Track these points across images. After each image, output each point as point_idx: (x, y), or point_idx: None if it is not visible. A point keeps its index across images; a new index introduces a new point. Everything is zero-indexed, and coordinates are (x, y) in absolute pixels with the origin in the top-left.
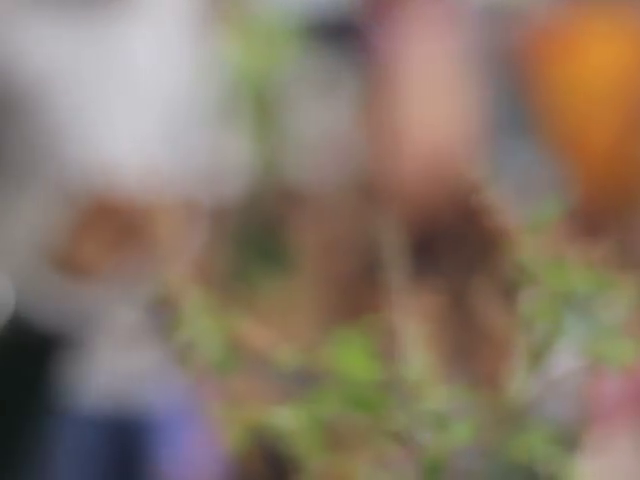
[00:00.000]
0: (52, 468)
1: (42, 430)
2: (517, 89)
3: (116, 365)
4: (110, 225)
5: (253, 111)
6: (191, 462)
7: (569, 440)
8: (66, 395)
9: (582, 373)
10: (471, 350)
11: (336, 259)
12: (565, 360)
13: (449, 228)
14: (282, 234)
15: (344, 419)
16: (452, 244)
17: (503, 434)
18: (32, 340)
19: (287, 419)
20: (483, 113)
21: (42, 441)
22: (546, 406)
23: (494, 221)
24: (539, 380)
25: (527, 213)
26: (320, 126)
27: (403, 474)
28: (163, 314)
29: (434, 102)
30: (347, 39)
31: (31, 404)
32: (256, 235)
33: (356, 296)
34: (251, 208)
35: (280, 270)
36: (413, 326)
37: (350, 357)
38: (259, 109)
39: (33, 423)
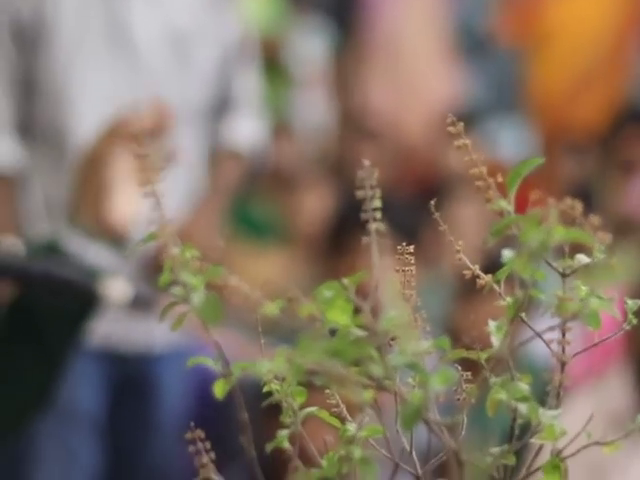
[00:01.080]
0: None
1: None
2: (502, 65)
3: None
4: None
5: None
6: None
7: (546, 392)
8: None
9: (559, 328)
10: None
11: (318, 220)
12: (544, 315)
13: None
14: (273, 197)
15: (325, 367)
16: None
17: (482, 386)
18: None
19: (271, 367)
20: (468, 88)
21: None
22: (525, 359)
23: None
24: (519, 333)
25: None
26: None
27: (381, 421)
28: (154, 265)
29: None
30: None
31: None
32: (250, 197)
33: (339, 253)
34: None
35: (270, 231)
36: (392, 281)
37: (332, 308)
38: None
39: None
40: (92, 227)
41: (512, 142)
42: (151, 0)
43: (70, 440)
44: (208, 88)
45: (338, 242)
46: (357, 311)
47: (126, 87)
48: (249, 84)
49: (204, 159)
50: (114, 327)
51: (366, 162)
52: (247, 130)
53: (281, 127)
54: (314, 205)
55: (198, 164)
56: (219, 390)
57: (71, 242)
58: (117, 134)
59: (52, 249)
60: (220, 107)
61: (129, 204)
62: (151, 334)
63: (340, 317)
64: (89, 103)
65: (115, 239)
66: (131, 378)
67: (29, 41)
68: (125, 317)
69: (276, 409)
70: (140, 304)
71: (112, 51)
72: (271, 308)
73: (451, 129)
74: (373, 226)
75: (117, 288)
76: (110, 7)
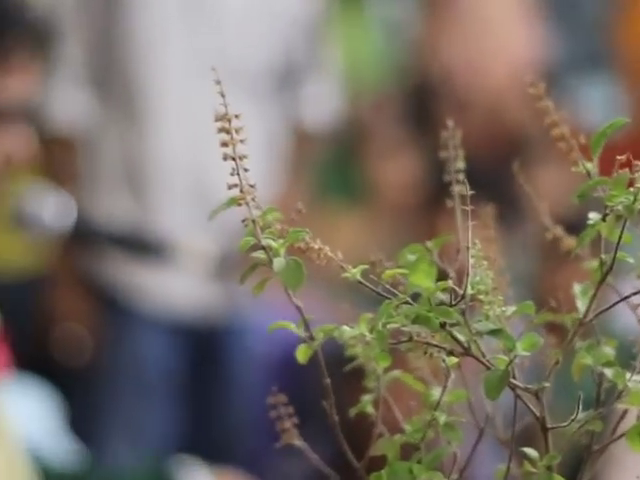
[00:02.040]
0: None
1: None
2: (590, 18)
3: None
4: None
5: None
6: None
7: (632, 356)
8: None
9: None
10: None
11: (405, 186)
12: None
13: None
14: (357, 162)
15: (410, 331)
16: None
17: (567, 351)
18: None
19: (354, 332)
20: (555, 47)
21: None
22: (612, 324)
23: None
24: (604, 297)
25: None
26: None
27: (465, 387)
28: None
29: (505, 25)
30: None
31: None
32: (333, 162)
33: (423, 220)
34: (330, 136)
35: (354, 195)
36: (477, 247)
37: (416, 272)
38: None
39: None
40: None
41: (600, 101)
42: None
43: (139, 406)
44: (276, 49)
45: (423, 204)
46: (441, 275)
47: (203, 43)
48: (320, 50)
49: (273, 126)
50: (192, 291)
51: (449, 122)
52: (320, 97)
53: (364, 90)
54: (398, 167)
55: (263, 131)
56: (302, 355)
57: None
58: None
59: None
60: (288, 73)
61: None
62: (231, 298)
63: (424, 281)
64: (172, 58)
65: None
66: (210, 343)
67: None
68: (204, 281)
69: (359, 373)
70: (221, 264)
71: (192, 8)
72: (354, 272)
73: (532, 90)
74: (456, 187)
75: (201, 244)
76: None
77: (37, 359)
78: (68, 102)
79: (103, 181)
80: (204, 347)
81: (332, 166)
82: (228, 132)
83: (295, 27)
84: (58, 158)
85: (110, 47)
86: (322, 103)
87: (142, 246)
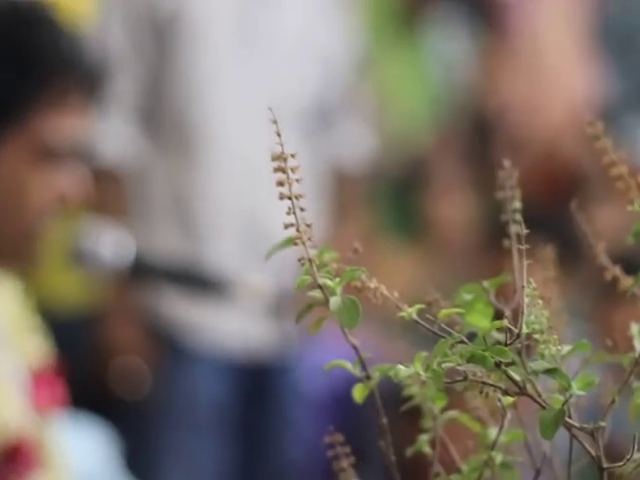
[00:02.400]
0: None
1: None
2: None
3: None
4: None
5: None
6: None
7: None
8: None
9: None
10: (591, 309)
11: (462, 226)
12: None
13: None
14: (415, 200)
15: (465, 370)
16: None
17: (624, 391)
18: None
19: (410, 372)
20: (612, 86)
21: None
22: None
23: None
24: None
25: None
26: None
27: (520, 426)
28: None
29: (563, 64)
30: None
31: None
32: (390, 199)
33: (480, 259)
34: (387, 173)
35: (410, 234)
36: (533, 286)
37: (472, 312)
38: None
39: None
40: None
41: None
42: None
43: (193, 443)
44: (317, 87)
45: (480, 243)
46: (497, 314)
47: (256, 81)
48: (360, 89)
49: (316, 166)
50: (247, 328)
51: (506, 162)
52: (360, 136)
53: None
54: (456, 206)
55: (311, 170)
56: (359, 394)
57: None
58: None
59: None
60: (326, 112)
61: None
62: (286, 336)
63: (480, 320)
64: (225, 95)
65: None
66: (264, 380)
67: (165, 34)
68: (260, 319)
69: (415, 412)
70: (277, 303)
71: (244, 45)
72: (410, 311)
73: (589, 129)
74: (513, 227)
75: (257, 282)
76: (242, 3)
77: (93, 395)
78: (119, 138)
79: (154, 218)
80: (258, 385)
81: (390, 204)
82: (284, 171)
83: (336, 65)
84: (109, 194)
85: (162, 84)
86: (361, 142)
87: (198, 283)
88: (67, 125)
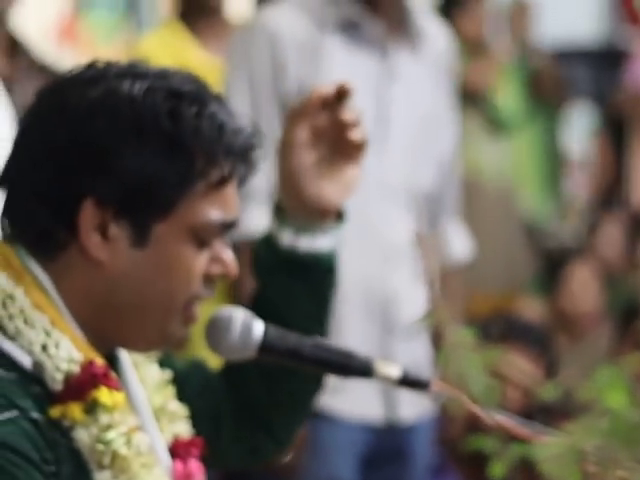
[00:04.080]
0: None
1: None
2: None
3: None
4: None
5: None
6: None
7: None
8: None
9: None
10: None
11: (589, 305)
12: None
13: None
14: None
15: (603, 450)
16: None
17: None
18: None
19: (548, 448)
20: None
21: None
22: None
23: None
24: None
25: None
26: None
27: None
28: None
29: None
30: (609, 63)
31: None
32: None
33: (615, 339)
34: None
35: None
36: None
37: (611, 393)
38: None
39: None
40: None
41: None
42: (406, 84)
43: None
44: (434, 177)
45: (617, 327)
46: (634, 395)
47: (383, 167)
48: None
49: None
50: (370, 398)
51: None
52: (460, 239)
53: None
54: (583, 289)
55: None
56: (497, 470)
57: None
58: (300, 114)
59: None
60: (436, 204)
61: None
62: (404, 404)
63: (617, 400)
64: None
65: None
66: (385, 448)
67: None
68: (380, 390)
69: None
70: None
71: (376, 130)
72: (549, 392)
73: None
74: None
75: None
76: (375, 86)
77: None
78: (254, 218)
79: None
80: (381, 450)
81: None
82: (423, 256)
83: (448, 158)
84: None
85: None
86: (463, 238)
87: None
88: (221, 209)
